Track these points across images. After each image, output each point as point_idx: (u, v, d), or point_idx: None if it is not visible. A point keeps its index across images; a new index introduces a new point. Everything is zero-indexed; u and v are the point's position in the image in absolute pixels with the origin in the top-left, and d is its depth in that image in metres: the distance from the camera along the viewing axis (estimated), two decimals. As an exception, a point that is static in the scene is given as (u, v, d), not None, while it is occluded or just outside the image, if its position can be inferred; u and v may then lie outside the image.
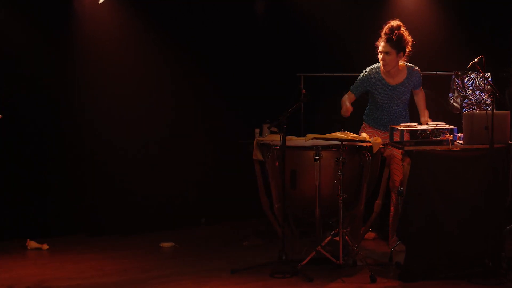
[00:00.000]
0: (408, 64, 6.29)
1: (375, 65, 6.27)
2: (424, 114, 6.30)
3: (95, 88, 7.16)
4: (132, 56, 7.26)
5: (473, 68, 5.51)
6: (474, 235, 5.47)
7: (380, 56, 6.16)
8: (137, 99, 7.31)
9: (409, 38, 6.13)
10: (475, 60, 5.48)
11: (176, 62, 7.43)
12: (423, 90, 6.40)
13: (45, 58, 6.99)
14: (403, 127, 5.74)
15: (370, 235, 6.81)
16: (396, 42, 6.07)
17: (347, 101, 6.22)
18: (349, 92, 6.32)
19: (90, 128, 7.19)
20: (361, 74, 6.30)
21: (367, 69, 6.30)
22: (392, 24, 6.11)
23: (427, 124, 5.92)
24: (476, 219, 5.46)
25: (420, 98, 6.39)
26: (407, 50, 6.16)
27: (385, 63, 6.13)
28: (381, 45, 6.13)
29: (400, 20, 6.21)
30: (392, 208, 6.32)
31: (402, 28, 6.11)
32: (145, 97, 7.35)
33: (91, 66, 7.13)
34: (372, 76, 6.23)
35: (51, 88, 7.03)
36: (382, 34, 6.13)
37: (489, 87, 5.57)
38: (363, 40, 6.79)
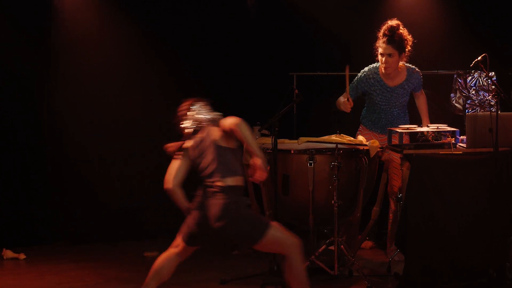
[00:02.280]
0: (407, 65, 6.24)
1: (374, 65, 6.22)
2: (427, 120, 6.28)
3: (78, 92, 7.17)
4: (116, 55, 7.21)
5: (477, 67, 5.48)
6: (477, 244, 5.43)
7: (382, 59, 6.09)
8: (122, 103, 7.26)
9: (409, 37, 6.09)
10: (479, 58, 5.44)
11: (164, 62, 7.33)
12: (424, 93, 6.37)
13: (24, 58, 6.93)
14: (402, 130, 5.73)
15: (367, 244, 6.81)
16: (398, 43, 6.02)
17: (342, 98, 6.15)
18: (344, 94, 6.22)
19: (71, 135, 7.21)
20: (359, 74, 6.25)
21: (366, 68, 6.25)
22: (391, 24, 6.05)
23: (428, 126, 5.90)
24: (479, 226, 5.42)
25: (421, 103, 6.35)
26: (407, 49, 6.11)
27: (388, 65, 6.07)
28: (383, 46, 6.05)
29: (399, 17, 6.16)
30: (390, 215, 6.29)
31: (401, 27, 6.07)
32: (130, 101, 7.30)
33: (72, 67, 7.10)
34: (371, 76, 6.17)
35: (31, 91, 7.03)
36: (381, 35, 6.06)
37: (493, 87, 5.57)
38: (360, 38, 6.76)
